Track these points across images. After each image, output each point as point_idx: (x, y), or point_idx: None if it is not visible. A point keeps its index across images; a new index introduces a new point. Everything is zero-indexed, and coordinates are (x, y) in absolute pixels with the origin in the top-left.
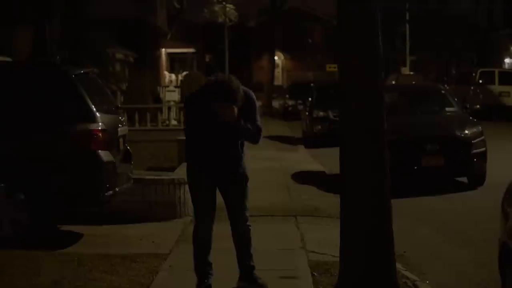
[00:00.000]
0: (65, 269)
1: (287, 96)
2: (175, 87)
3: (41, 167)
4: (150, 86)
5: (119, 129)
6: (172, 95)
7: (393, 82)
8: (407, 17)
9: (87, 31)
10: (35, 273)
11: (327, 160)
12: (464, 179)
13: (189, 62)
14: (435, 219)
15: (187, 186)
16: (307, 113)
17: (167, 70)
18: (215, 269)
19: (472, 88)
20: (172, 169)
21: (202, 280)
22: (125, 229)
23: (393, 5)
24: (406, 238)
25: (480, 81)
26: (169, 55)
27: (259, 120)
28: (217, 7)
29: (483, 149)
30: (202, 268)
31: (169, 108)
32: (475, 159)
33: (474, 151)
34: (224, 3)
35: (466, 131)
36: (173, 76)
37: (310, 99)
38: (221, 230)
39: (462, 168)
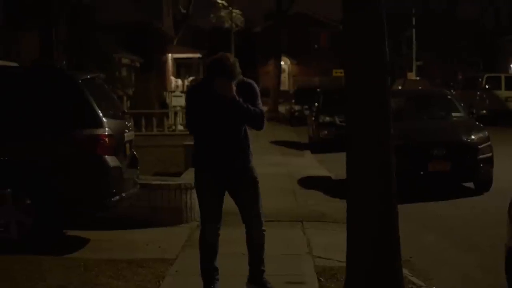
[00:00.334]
0: (71, 274)
1: (293, 101)
2: (181, 92)
3: (48, 172)
4: (156, 91)
5: (125, 134)
6: (178, 100)
7: (399, 87)
8: (413, 22)
9: (93, 36)
10: (41, 278)
11: (333, 166)
12: (470, 185)
13: (195, 67)
14: (441, 225)
15: (193, 192)
16: (313, 118)
17: (173, 75)
18: (223, 274)
19: (478, 93)
20: (178, 174)
21: (208, 285)
22: (131, 234)
23: (399, 10)
24: (412, 244)
25: (487, 86)
26: (175, 60)
27: (261, 104)
28: (223, 13)
29: (490, 154)
30: (208, 272)
31: (176, 113)
32: (481, 165)
33: (481, 156)
34: (230, 8)
35: (473, 137)
36: (179, 81)
37: (316, 104)
38: (229, 235)
39: (469, 174)
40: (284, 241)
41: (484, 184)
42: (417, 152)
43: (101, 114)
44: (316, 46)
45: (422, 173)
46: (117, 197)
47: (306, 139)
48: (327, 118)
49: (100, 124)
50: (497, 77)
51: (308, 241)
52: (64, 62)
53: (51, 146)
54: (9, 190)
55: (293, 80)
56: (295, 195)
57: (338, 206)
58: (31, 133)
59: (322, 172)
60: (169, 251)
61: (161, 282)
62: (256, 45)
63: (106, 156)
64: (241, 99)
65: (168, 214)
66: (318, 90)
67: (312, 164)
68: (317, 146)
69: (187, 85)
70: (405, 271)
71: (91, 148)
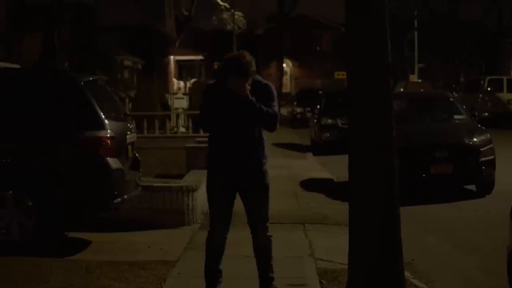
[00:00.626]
0: (73, 276)
1: (295, 103)
2: (184, 94)
3: (50, 173)
4: (159, 93)
5: (127, 136)
6: (180, 102)
7: (401, 90)
8: (416, 25)
9: (96, 38)
10: (43, 280)
11: (335, 168)
12: (472, 187)
13: (197, 70)
14: (443, 227)
15: (195, 194)
16: (315, 120)
17: (175, 77)
18: (226, 276)
19: (480, 95)
20: (180, 176)
21: (210, 286)
22: (133, 236)
23: (402, 11)
24: (414, 246)
25: (489, 89)
26: (178, 62)
27: (276, 106)
28: (225, 15)
29: (492, 157)
30: (212, 274)
31: (178, 115)
32: (483, 167)
33: (483, 159)
34: (232, 10)
35: (475, 139)
36: (182, 83)
37: (318, 106)
38: (235, 237)
39: (471, 176)
40: (286, 243)
41: (486, 187)
42: (419, 155)
43: (103, 116)
44: (318, 48)
45: (424, 175)
46: (119, 199)
47: (308, 141)
48: (329, 121)
49: (102, 126)
50: (499, 80)
51: (310, 243)
52: (66, 63)
53: (53, 148)
54: (10, 191)
55: (295, 82)
56: (297, 198)
57: (340, 209)
58: (33, 135)
59: (324, 174)
60: (171, 253)
61: (162, 284)
62: (258, 47)
63: (108, 158)
64: (254, 98)
65: (170, 216)
66: (320, 92)
67: (314, 167)
68: (319, 148)
69: (189, 87)
70: (407, 274)
71: (93, 150)
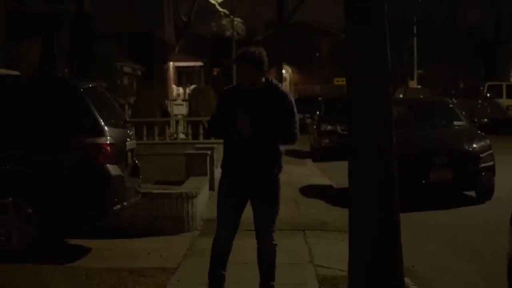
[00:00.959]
0: (73, 283)
1: None
2: (183, 100)
3: (49, 180)
4: (158, 99)
5: (127, 143)
6: (180, 109)
7: (401, 96)
8: (415, 30)
9: (95, 45)
10: (43, 287)
11: (335, 174)
12: (472, 193)
13: (197, 76)
14: (443, 233)
15: (195, 200)
16: (315, 126)
17: (174, 84)
18: (228, 283)
19: (480, 101)
20: (180, 183)
21: None
22: (132, 243)
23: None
24: (414, 252)
25: (488, 95)
26: (177, 68)
27: (297, 124)
28: (224, 21)
29: (491, 163)
30: (217, 280)
31: (177, 122)
32: (483, 173)
33: (482, 165)
34: (231, 16)
35: (474, 145)
36: (181, 90)
37: (317, 112)
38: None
39: (470, 182)
40: (285, 250)
41: (485, 193)
42: (419, 161)
43: (103, 123)
44: (317, 54)
45: (423, 181)
46: (119, 206)
47: (307, 148)
48: (329, 127)
49: (102, 133)
50: (499, 86)
51: (310, 250)
52: (66, 70)
53: (53, 154)
54: (10, 198)
55: (294, 89)
56: (296, 204)
57: (339, 215)
58: (32, 142)
59: (323, 180)
60: (171, 260)
61: None
62: None
63: (107, 164)
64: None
65: (170, 223)
66: (320, 98)
67: (313, 173)
68: (318, 155)
69: (189, 93)
70: (407, 280)
71: (92, 156)
